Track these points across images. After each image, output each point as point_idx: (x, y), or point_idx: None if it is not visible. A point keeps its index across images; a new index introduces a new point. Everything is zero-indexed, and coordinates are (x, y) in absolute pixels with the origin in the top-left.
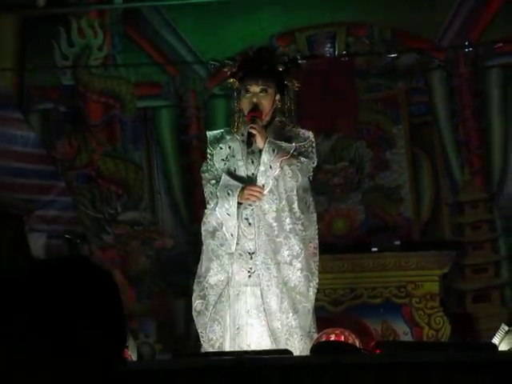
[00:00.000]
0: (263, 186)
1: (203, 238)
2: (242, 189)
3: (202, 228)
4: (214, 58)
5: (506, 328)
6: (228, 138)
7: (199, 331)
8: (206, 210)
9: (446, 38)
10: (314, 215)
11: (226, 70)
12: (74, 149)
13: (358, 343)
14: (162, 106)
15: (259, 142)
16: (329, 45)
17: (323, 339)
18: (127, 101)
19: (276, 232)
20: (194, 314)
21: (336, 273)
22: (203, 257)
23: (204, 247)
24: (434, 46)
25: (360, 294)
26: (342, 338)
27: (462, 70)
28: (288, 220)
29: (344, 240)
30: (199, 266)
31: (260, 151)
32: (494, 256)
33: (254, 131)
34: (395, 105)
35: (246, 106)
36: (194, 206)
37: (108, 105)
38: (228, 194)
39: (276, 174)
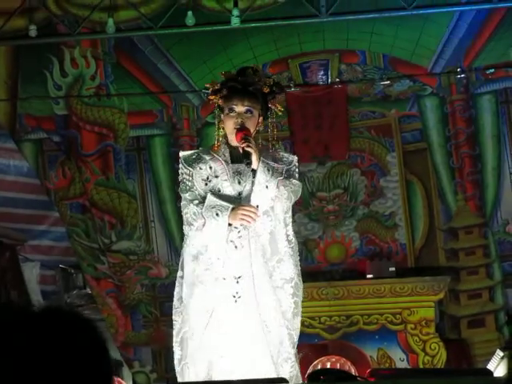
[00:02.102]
0: (257, 206)
1: (185, 262)
2: (232, 209)
3: (185, 252)
4: (207, 87)
5: (501, 353)
6: (207, 158)
7: (184, 362)
8: (187, 233)
9: (438, 64)
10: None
11: (207, 85)
12: (67, 179)
13: (353, 370)
14: (155, 135)
15: (255, 160)
16: (322, 72)
17: (319, 367)
18: (120, 130)
19: (269, 255)
20: (177, 343)
21: (331, 300)
22: (184, 282)
23: (185, 272)
24: (427, 73)
25: (356, 321)
26: (338, 366)
27: (455, 96)
28: (283, 243)
29: (339, 267)
30: (176, 294)
31: (246, 171)
32: (489, 281)
33: (250, 150)
34: (389, 132)
35: (229, 125)
36: None
37: (101, 134)
38: (217, 214)
39: (273, 195)
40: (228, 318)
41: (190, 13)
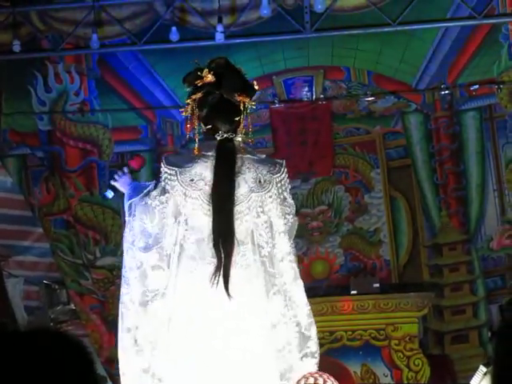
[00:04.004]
0: None
1: None
2: None
3: None
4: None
5: (484, 369)
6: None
7: None
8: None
9: (422, 81)
10: None
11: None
12: (51, 194)
13: None
14: (139, 151)
15: None
16: (306, 88)
17: (303, 383)
18: (105, 146)
19: None
20: None
21: (315, 316)
22: None
23: None
24: (411, 89)
25: (339, 337)
26: (322, 382)
27: (439, 113)
28: None
29: (323, 283)
30: None
31: None
32: (472, 297)
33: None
34: (373, 148)
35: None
36: None
37: (85, 150)
38: None
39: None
40: None
41: (174, 28)
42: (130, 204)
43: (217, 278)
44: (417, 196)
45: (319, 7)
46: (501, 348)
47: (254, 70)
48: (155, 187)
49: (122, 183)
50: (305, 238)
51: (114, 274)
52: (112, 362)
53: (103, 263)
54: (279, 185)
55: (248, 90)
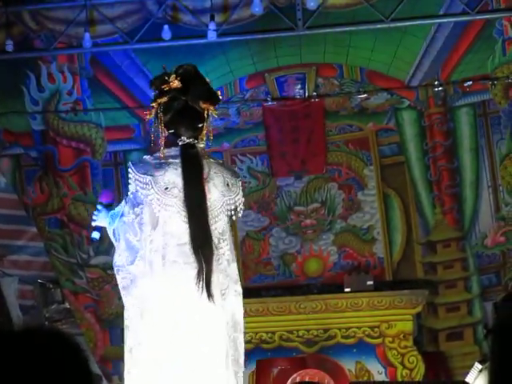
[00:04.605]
0: None
1: None
2: None
3: None
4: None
5: (480, 366)
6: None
7: None
8: None
9: (415, 77)
10: None
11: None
12: (45, 194)
13: None
14: (132, 150)
15: None
16: (299, 86)
17: (297, 380)
18: (98, 145)
19: None
20: None
21: (309, 313)
22: None
23: None
24: (404, 86)
25: (334, 335)
26: (317, 379)
27: (433, 109)
28: None
29: (317, 281)
30: None
31: None
32: (467, 294)
33: None
34: (366, 145)
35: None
36: None
37: (79, 149)
38: None
39: None
40: None
41: (166, 27)
42: (113, 231)
43: (200, 282)
44: (410, 193)
45: (311, 4)
46: (497, 345)
47: (247, 68)
48: (126, 202)
49: (100, 219)
50: (298, 236)
51: (109, 273)
52: (107, 361)
53: (97, 262)
54: (242, 187)
55: (213, 99)
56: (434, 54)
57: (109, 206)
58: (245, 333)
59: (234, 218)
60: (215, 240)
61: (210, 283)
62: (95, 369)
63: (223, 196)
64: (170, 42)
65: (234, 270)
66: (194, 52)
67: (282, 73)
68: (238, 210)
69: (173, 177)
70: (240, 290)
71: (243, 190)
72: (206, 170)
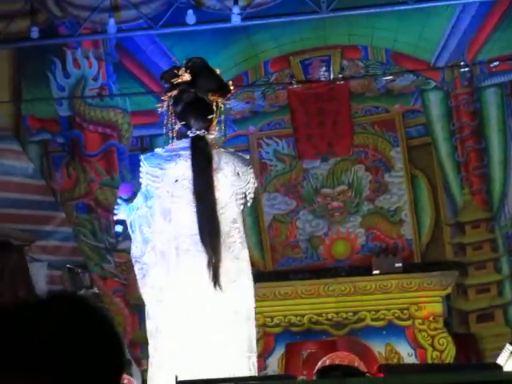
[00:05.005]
0: None
1: None
2: None
3: None
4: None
5: (511, 348)
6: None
7: None
8: None
9: (441, 58)
10: None
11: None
12: (72, 179)
13: (361, 367)
14: (158, 134)
15: None
16: (324, 68)
17: (327, 363)
18: (124, 130)
19: None
20: None
21: (338, 296)
22: None
23: None
24: (430, 67)
25: (363, 317)
26: (347, 362)
27: (459, 90)
28: None
29: (345, 263)
30: None
31: None
32: (497, 275)
33: None
34: (392, 127)
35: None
36: None
37: (105, 135)
38: None
39: None
40: None
41: (190, 11)
42: (130, 223)
43: (210, 272)
44: (438, 174)
45: None
46: None
47: (271, 51)
48: (141, 195)
49: (121, 213)
50: (325, 219)
51: None
52: (136, 345)
53: (125, 246)
54: (253, 175)
55: (222, 90)
56: (460, 34)
57: (128, 200)
58: (272, 317)
59: (248, 204)
60: (226, 228)
61: (217, 272)
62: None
63: (233, 186)
64: (195, 26)
65: (245, 256)
66: (218, 36)
67: (306, 55)
68: (248, 198)
69: (183, 169)
70: (251, 276)
71: (269, 174)
72: (215, 161)
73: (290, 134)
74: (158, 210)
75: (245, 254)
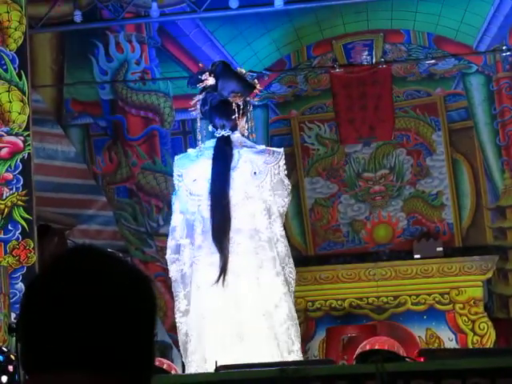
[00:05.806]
0: None
1: None
2: None
3: None
4: (251, 69)
5: None
6: None
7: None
8: None
9: (483, 42)
10: None
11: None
12: (114, 163)
13: (401, 351)
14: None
15: None
16: (366, 52)
17: (367, 348)
18: (166, 114)
19: None
20: None
21: (379, 280)
22: None
23: None
24: (472, 51)
25: (404, 302)
26: (386, 346)
27: (501, 74)
28: None
29: (386, 247)
30: None
31: None
32: None
33: None
34: (434, 111)
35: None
36: None
37: (147, 118)
38: None
39: None
40: None
41: None
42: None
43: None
44: (479, 158)
45: None
46: None
47: (314, 35)
48: None
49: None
50: (367, 203)
51: None
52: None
53: (166, 230)
54: (276, 172)
55: (243, 91)
56: (502, 18)
57: None
58: (313, 301)
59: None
60: (238, 225)
61: (224, 269)
62: (165, 337)
63: (247, 184)
64: (237, 10)
65: (280, 249)
66: (260, 20)
67: (349, 39)
68: (269, 195)
69: (203, 169)
70: (280, 269)
71: (311, 158)
72: (234, 159)
73: (332, 118)
74: (178, 208)
75: (280, 245)
